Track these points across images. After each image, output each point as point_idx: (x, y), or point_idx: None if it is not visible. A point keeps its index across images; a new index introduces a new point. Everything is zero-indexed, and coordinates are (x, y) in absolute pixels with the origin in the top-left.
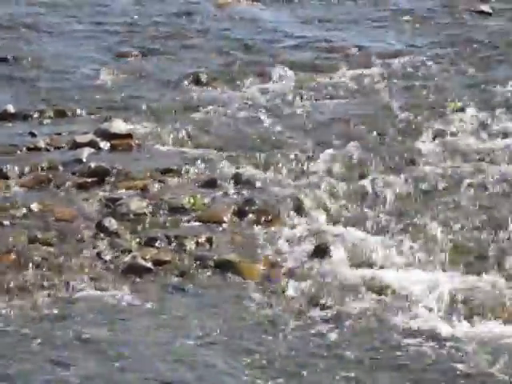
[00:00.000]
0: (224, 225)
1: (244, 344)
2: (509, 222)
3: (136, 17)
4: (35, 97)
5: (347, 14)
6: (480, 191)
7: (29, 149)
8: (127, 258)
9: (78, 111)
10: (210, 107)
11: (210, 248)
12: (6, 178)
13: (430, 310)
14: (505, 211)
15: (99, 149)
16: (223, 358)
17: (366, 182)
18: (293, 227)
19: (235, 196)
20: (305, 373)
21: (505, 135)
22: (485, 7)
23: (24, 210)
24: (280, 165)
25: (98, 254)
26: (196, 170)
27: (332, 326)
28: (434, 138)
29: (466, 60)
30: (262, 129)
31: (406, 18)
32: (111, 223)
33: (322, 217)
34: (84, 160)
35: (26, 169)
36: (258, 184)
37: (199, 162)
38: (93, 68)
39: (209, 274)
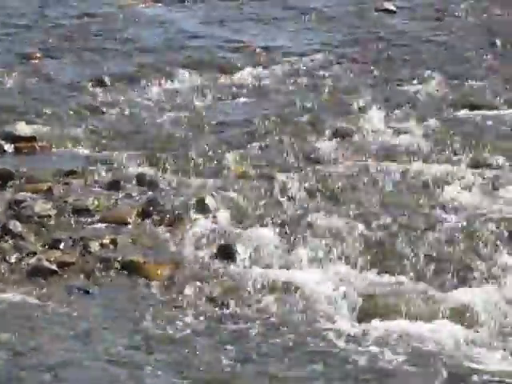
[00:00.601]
0: (128, 226)
1: (148, 343)
2: (412, 220)
3: (38, 18)
4: None
5: (252, 13)
6: (384, 189)
7: None
8: (32, 260)
9: None
10: (114, 109)
11: (114, 249)
12: None
13: (334, 308)
14: (407, 209)
15: (3, 152)
16: (128, 357)
17: (269, 182)
18: (197, 227)
19: (139, 197)
20: (205, 371)
21: (407, 133)
22: (389, 5)
23: None
24: (184, 165)
25: (3, 257)
26: (100, 172)
27: (235, 325)
28: (337, 137)
29: (371, 58)
30: (165, 130)
31: (312, 17)
32: (15, 226)
33: (225, 217)
34: None
35: None
36: (162, 185)
37: (103, 163)
38: None
39: (113, 275)
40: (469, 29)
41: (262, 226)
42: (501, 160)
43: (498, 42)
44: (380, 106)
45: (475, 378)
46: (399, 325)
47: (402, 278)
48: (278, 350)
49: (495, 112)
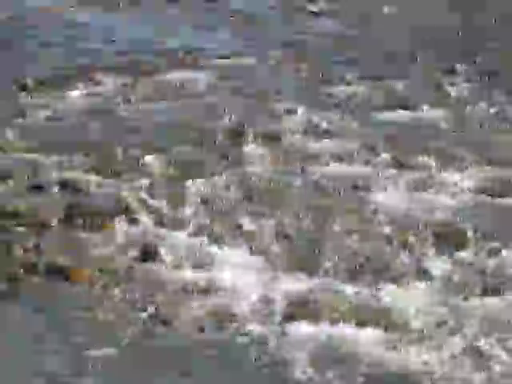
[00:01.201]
0: (52, 229)
1: (68, 345)
2: (336, 221)
3: None
4: None
5: (177, 17)
6: (309, 191)
7: None
8: None
9: None
10: (37, 112)
11: (38, 253)
12: None
13: (256, 310)
14: (332, 210)
15: None
16: (51, 359)
17: (193, 184)
18: (120, 230)
19: (63, 200)
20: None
21: (333, 134)
22: (314, 7)
23: None
24: (107, 168)
25: None
26: (23, 175)
27: (162, 329)
28: (264, 139)
29: (297, 60)
30: (88, 133)
31: (236, 19)
32: None
33: (149, 219)
34: None
35: None
36: (85, 188)
37: (26, 166)
38: None
39: (37, 279)
40: (394, 30)
41: (185, 228)
42: (425, 160)
43: (422, 44)
44: (306, 108)
45: (397, 380)
46: (323, 327)
47: (327, 280)
48: (198, 351)
49: (419, 112)
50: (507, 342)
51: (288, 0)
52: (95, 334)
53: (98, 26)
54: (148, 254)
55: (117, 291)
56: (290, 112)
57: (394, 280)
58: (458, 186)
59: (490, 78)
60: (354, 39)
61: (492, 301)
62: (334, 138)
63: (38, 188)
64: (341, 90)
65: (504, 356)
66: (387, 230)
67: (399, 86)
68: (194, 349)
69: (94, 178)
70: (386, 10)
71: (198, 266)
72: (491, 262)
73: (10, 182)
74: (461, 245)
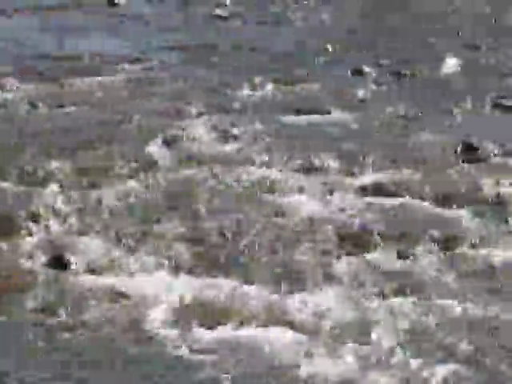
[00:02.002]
0: None
1: None
2: (245, 224)
3: None
4: None
5: (78, 22)
6: (216, 194)
7: None
8: None
9: None
10: None
11: None
12: None
13: (165, 315)
14: (240, 214)
15: None
16: None
17: (100, 190)
18: (29, 237)
19: None
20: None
21: (239, 138)
22: (221, 12)
23: None
24: (13, 174)
25: None
26: None
27: (70, 334)
28: (169, 143)
29: (202, 65)
30: None
31: (140, 24)
32: None
33: (58, 226)
34: None
35: None
36: None
37: None
38: None
39: None
40: (301, 34)
41: (94, 234)
42: (331, 163)
43: (329, 47)
44: (212, 112)
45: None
46: (233, 331)
47: (236, 284)
48: (105, 357)
49: (327, 116)
50: (416, 343)
51: (195, 4)
52: None
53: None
54: (58, 261)
55: (26, 298)
56: (199, 115)
57: (304, 283)
58: (364, 188)
59: (398, 79)
60: (262, 42)
61: (400, 302)
62: (242, 142)
63: None
64: (249, 94)
65: (412, 357)
66: (296, 233)
67: (307, 88)
68: (100, 353)
69: (4, 183)
70: (292, 12)
71: (106, 271)
72: (399, 264)
73: None
74: (368, 247)
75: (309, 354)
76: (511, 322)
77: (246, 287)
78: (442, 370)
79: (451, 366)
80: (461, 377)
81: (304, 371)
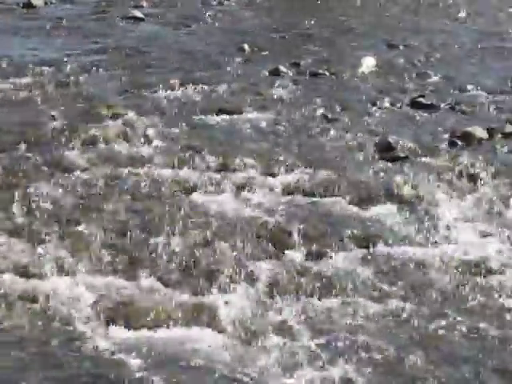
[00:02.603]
0: None
1: None
2: (162, 225)
3: None
4: None
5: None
6: (134, 196)
7: None
8: None
9: None
10: None
11: None
12: None
13: (84, 317)
14: (157, 215)
15: None
16: None
17: (16, 191)
18: None
19: None
20: None
21: (156, 139)
22: (137, 13)
23: None
24: None
25: None
26: None
27: None
28: (87, 144)
29: (119, 66)
30: None
31: (59, 26)
32: None
33: None
34: None
35: None
36: None
37: None
38: None
39: None
40: (217, 35)
41: (10, 235)
42: (248, 163)
43: (246, 47)
44: (129, 113)
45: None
46: (150, 331)
47: (154, 284)
48: (21, 362)
49: (242, 116)
50: (336, 343)
51: (113, 5)
52: None
53: None
54: None
55: None
56: (116, 117)
57: (222, 283)
58: (281, 188)
59: (315, 79)
60: (177, 43)
61: (317, 301)
62: (159, 143)
63: None
64: (165, 95)
65: (328, 357)
66: (213, 232)
67: (223, 89)
68: (17, 350)
69: None
70: (210, 13)
71: (24, 273)
72: (316, 263)
73: None
74: (286, 246)
75: (226, 353)
76: (428, 319)
77: (163, 287)
78: (353, 371)
79: (366, 369)
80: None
81: (220, 369)
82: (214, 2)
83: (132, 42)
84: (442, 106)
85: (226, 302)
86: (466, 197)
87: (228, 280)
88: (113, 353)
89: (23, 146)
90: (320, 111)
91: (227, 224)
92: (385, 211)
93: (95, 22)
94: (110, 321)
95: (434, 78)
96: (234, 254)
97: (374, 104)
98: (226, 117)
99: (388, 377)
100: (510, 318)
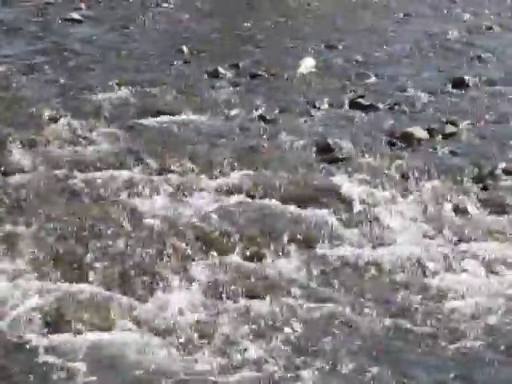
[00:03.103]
0: None
1: None
2: (100, 228)
3: None
4: None
5: None
6: (72, 198)
7: None
8: None
9: None
10: None
11: None
12: None
13: (22, 320)
14: (96, 217)
15: None
16: None
17: None
18: None
19: None
20: None
21: (95, 141)
22: (75, 15)
23: None
24: None
25: None
26: None
27: None
28: (26, 147)
29: (57, 68)
30: None
31: None
32: None
33: None
34: None
35: None
36: None
37: None
38: None
39: None
40: (156, 36)
41: None
42: (186, 165)
43: (185, 49)
44: (68, 116)
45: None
46: (89, 334)
47: (95, 287)
48: None
49: (181, 117)
50: (270, 344)
51: (51, 9)
52: None
53: None
54: None
55: None
56: (55, 119)
57: (160, 285)
58: (219, 190)
59: (254, 81)
60: (116, 45)
61: (256, 303)
62: (96, 145)
63: None
64: (104, 97)
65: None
66: (153, 235)
67: (162, 91)
68: None
69: None
70: (147, 16)
71: None
72: (257, 265)
73: None
74: (226, 248)
75: (162, 356)
76: (367, 321)
77: (102, 290)
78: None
79: (304, 371)
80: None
81: (158, 372)
82: (152, 4)
83: (70, 44)
84: (382, 106)
85: (165, 305)
86: (405, 198)
87: (166, 283)
88: (50, 356)
89: None
90: (258, 112)
91: (165, 226)
92: (324, 212)
93: (34, 24)
94: (47, 324)
95: (373, 79)
96: (173, 256)
97: (313, 105)
98: (164, 118)
99: (326, 379)
100: (446, 318)
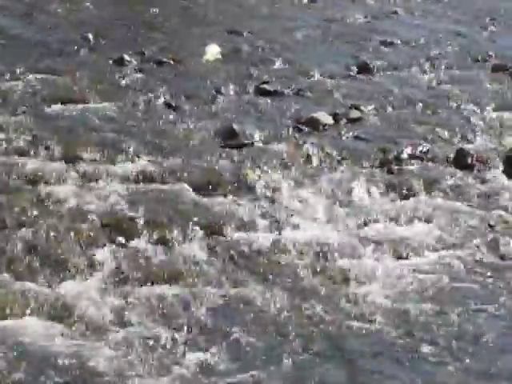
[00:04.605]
0: None
1: None
2: (7, 217)
3: None
4: None
5: None
6: None
7: None
8: None
9: None
10: None
11: None
12: None
13: None
14: (2, 206)
15: None
16: None
17: None
18: None
19: None
20: None
21: (5, 130)
22: None
23: None
24: None
25: None
26: None
27: None
28: None
29: None
30: None
31: None
32: None
33: None
34: None
35: None
36: None
37: None
38: None
39: None
40: (62, 25)
41: None
42: (94, 152)
43: (91, 36)
44: None
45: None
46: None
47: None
48: None
49: (87, 105)
50: (176, 328)
51: None
52: None
53: None
54: None
55: None
56: None
57: (68, 272)
58: (126, 176)
59: (158, 68)
60: (20, 33)
61: (162, 288)
62: (2, 133)
63: None
64: (9, 85)
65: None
66: (61, 222)
67: (68, 78)
68: None
69: None
70: (53, 4)
71: None
72: (163, 250)
73: None
74: (132, 234)
75: (61, 342)
76: (273, 303)
77: (6, 278)
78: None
79: (220, 353)
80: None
81: (66, 358)
82: None
83: None
84: (287, 92)
85: (70, 291)
86: (310, 183)
87: (74, 269)
88: None
89: None
90: (164, 99)
91: (73, 213)
92: (230, 198)
93: None
94: None
95: (279, 65)
96: (80, 242)
97: (219, 91)
98: (71, 106)
99: (232, 360)
100: (349, 300)
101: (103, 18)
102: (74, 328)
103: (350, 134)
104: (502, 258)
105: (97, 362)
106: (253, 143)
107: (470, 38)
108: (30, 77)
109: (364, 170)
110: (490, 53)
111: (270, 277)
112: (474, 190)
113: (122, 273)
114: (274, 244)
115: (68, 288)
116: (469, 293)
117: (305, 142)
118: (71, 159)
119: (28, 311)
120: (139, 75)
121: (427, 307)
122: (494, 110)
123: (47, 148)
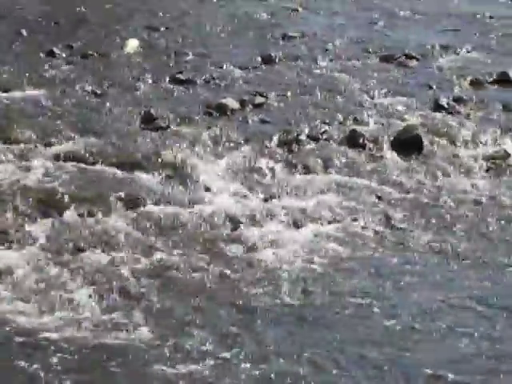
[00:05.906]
0: None
1: None
2: None
3: None
4: None
5: None
6: None
7: None
8: None
9: None
10: None
11: None
12: None
13: None
14: None
15: None
16: None
17: None
18: None
19: None
20: None
21: None
22: None
23: None
24: None
25: None
26: None
27: None
28: None
29: None
30: None
31: None
32: None
33: None
34: None
35: None
36: None
37: None
38: None
39: None
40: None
41: None
42: (27, 135)
43: (24, 32)
44: None
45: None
46: None
47: None
48: None
49: (21, 93)
50: (102, 291)
51: None
52: None
53: None
54: None
55: None
56: None
57: (7, 243)
58: (57, 157)
59: (85, 60)
60: None
61: (93, 256)
62: None
63: None
64: None
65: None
66: None
67: (2, 69)
68: None
69: None
70: None
71: None
72: (89, 222)
73: None
74: (61, 208)
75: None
76: (192, 269)
77: None
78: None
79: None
80: None
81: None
82: None
83: None
84: (199, 81)
85: (10, 259)
86: (220, 161)
87: (8, 241)
88: None
89: None
90: (90, 87)
91: (8, 189)
92: (149, 175)
93: None
94: None
95: (192, 57)
96: (13, 216)
97: (139, 80)
98: (5, 94)
99: (156, 322)
100: (255, 265)
101: (36, 14)
102: (9, 294)
103: (255, 117)
104: (388, 225)
105: (27, 328)
106: (168, 126)
107: (363, 32)
108: None
109: (267, 150)
110: (379, 45)
111: (185, 244)
112: (365, 166)
113: (54, 242)
114: (188, 215)
115: (6, 256)
116: (358, 257)
117: (215, 125)
118: (6, 141)
119: None
120: (68, 66)
121: (322, 270)
122: (383, 95)
123: None
